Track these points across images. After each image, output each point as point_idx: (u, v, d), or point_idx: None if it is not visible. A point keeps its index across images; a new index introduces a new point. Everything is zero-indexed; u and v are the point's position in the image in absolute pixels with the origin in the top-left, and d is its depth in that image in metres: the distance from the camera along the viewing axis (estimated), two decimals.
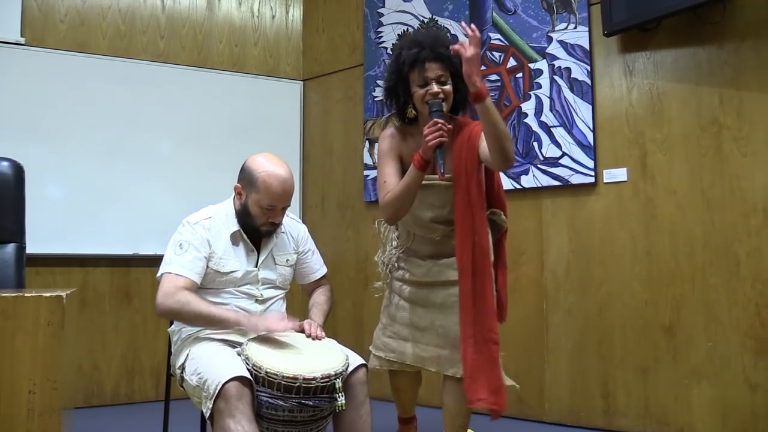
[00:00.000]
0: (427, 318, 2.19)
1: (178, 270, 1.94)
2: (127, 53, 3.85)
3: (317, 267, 2.28)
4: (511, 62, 3.40)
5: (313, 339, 1.96)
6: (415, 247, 2.25)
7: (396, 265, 2.31)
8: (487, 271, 2.07)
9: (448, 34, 2.06)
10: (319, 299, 2.22)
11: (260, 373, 1.72)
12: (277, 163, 2.01)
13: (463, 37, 3.55)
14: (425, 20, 3.74)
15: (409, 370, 2.25)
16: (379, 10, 3.96)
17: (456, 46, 1.90)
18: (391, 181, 2.11)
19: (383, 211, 2.14)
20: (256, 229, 2.04)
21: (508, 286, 3.28)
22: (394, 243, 2.35)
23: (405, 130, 2.21)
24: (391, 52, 2.15)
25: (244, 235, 2.06)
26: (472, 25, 1.92)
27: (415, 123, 2.18)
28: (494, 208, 2.24)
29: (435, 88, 2.04)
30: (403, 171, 2.13)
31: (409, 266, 2.26)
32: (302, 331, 2.01)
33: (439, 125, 1.95)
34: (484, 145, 2.02)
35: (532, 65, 3.33)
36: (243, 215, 2.04)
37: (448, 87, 2.06)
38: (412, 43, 2.08)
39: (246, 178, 2.02)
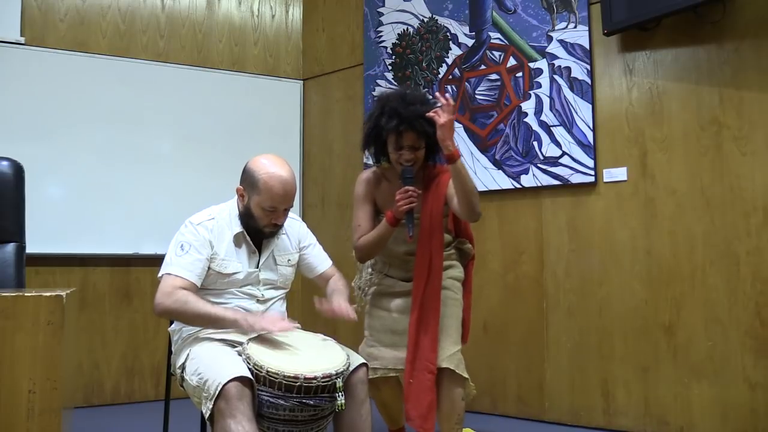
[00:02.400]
0: (405, 322, 2.31)
1: (178, 271, 1.94)
2: (127, 53, 3.85)
3: (323, 258, 2.29)
4: (511, 61, 3.40)
5: (349, 318, 1.98)
6: (392, 273, 2.44)
7: (371, 281, 2.48)
8: (435, 306, 2.26)
9: (429, 95, 2.25)
10: (338, 285, 2.22)
11: (261, 372, 1.72)
12: (278, 165, 2.00)
13: (463, 35, 3.59)
14: (425, 19, 3.74)
15: (392, 374, 2.33)
16: (379, 10, 3.96)
17: (431, 113, 2.10)
18: (364, 225, 2.33)
19: (355, 252, 2.35)
20: (259, 231, 2.04)
21: (507, 286, 3.34)
22: (370, 270, 2.51)
23: (381, 173, 2.41)
24: (375, 97, 2.38)
25: (247, 237, 2.06)
26: (447, 95, 2.14)
27: (391, 168, 2.35)
28: (462, 238, 2.47)
29: (407, 155, 2.21)
30: (376, 212, 2.37)
31: (385, 282, 2.44)
32: (334, 314, 2.02)
33: (410, 192, 2.14)
34: (452, 192, 2.22)
35: (532, 64, 3.32)
36: (246, 217, 2.04)
37: (420, 152, 2.25)
38: (392, 112, 2.20)
39: (248, 180, 2.02)
